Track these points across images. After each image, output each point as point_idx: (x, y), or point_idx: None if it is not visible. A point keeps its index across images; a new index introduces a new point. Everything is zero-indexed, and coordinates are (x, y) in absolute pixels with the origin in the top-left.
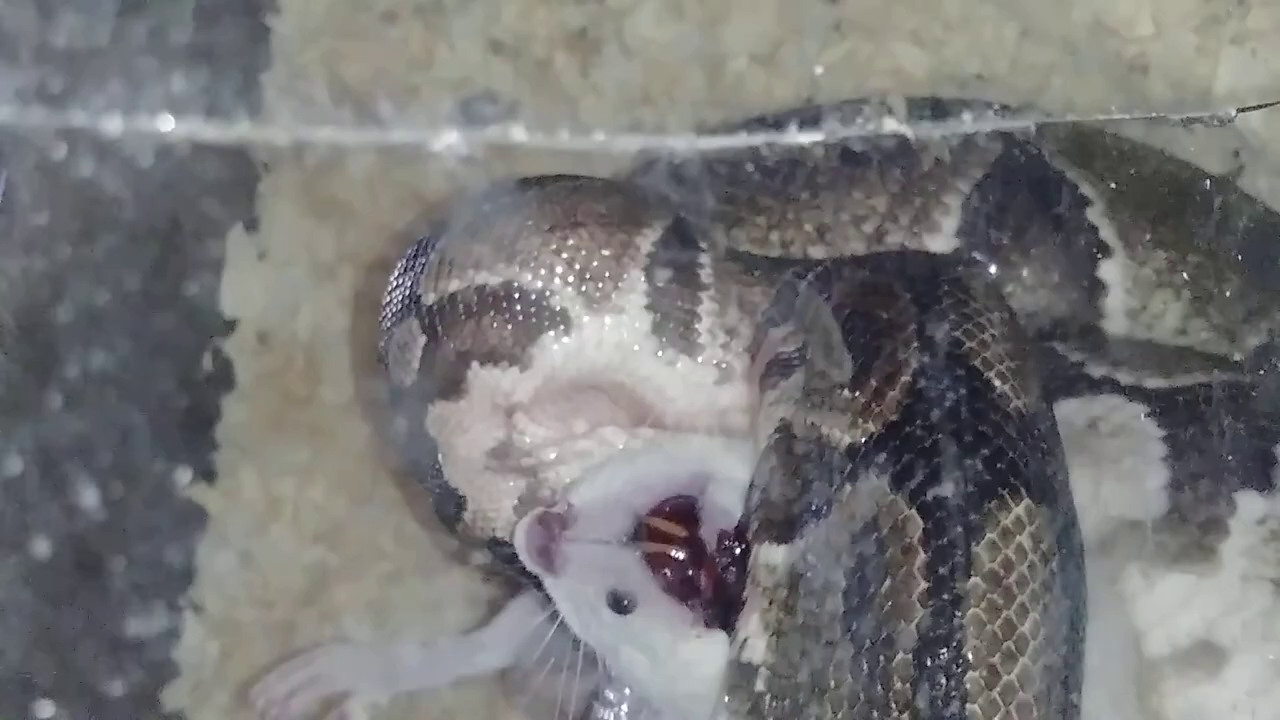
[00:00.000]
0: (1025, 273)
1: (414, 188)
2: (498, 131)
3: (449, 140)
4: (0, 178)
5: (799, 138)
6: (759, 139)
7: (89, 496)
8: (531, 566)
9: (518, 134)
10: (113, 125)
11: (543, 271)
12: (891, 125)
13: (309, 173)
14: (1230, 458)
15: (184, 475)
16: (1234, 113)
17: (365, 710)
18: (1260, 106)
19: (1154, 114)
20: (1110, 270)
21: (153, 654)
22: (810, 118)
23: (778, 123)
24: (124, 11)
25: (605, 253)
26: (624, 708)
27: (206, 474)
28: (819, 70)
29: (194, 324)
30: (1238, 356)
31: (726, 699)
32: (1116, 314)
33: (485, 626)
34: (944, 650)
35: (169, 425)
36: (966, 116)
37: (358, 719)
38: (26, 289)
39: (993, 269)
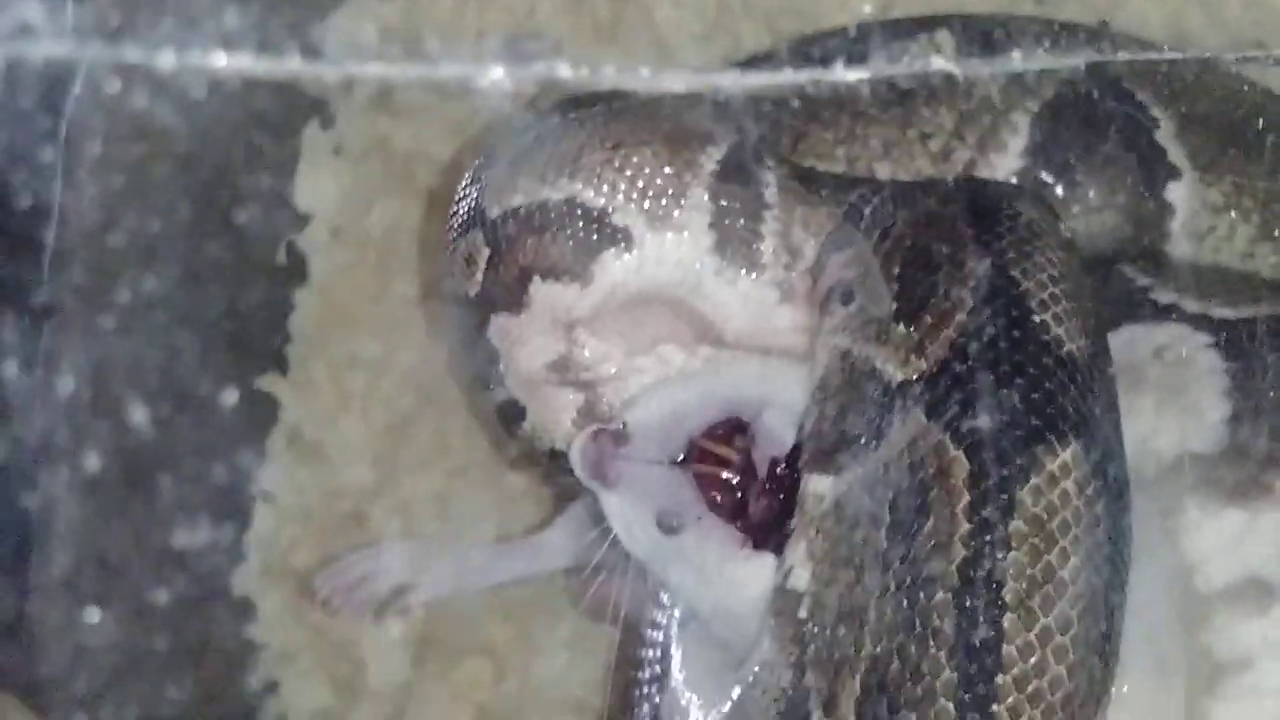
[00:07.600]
0: (1091, 193)
1: None
2: (543, 68)
3: (495, 77)
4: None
5: (844, 74)
6: (803, 76)
7: (139, 415)
8: (586, 481)
9: (563, 70)
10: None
11: (605, 188)
12: (939, 63)
13: None
14: None
15: (231, 396)
16: None
17: (426, 605)
18: None
19: (1240, 54)
20: (1177, 192)
21: (197, 567)
22: (862, 43)
23: (826, 51)
24: None
25: (668, 170)
26: (677, 611)
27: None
28: None
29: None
30: None
31: (771, 623)
32: (1182, 237)
33: (548, 528)
34: (983, 591)
35: (219, 348)
36: (1016, 54)
37: (417, 612)
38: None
39: (1059, 190)
